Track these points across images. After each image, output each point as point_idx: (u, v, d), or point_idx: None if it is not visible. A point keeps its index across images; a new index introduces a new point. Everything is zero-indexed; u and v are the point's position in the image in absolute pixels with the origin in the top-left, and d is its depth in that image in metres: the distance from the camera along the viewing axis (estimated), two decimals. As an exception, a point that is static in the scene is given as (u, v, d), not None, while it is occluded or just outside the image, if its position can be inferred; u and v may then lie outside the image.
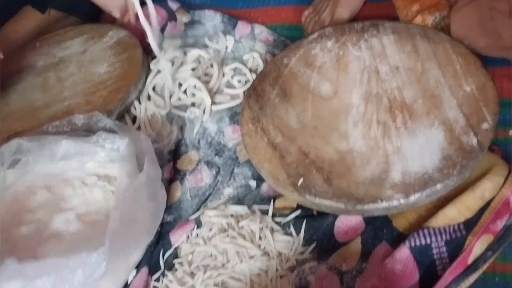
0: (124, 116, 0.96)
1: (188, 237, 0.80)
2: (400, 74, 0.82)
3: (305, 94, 0.84)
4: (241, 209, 0.81)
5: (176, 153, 0.91)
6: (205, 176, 0.87)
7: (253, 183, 0.84)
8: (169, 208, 0.84)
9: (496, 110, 0.75)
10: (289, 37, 1.01)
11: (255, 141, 0.80)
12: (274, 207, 0.80)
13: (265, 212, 0.80)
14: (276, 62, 0.90)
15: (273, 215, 0.80)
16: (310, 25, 0.97)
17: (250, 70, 0.97)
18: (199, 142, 0.91)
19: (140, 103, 0.97)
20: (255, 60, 0.99)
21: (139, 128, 0.95)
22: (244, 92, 0.94)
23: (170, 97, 0.96)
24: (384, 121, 0.77)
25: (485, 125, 0.74)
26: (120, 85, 0.97)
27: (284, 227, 0.78)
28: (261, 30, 1.04)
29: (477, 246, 0.69)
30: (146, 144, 0.84)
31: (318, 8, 0.98)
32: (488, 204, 0.71)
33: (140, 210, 0.77)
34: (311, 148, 0.77)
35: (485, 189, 0.72)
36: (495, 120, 0.74)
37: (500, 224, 0.70)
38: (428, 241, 0.70)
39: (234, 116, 0.92)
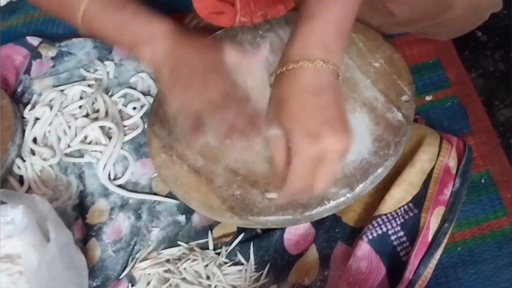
0: (8, 180, 0.81)
1: (124, 298, 0.69)
2: (307, 64, 0.77)
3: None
4: (176, 250, 0.72)
5: (82, 207, 0.79)
6: (124, 225, 0.76)
7: (181, 218, 0.75)
8: (92, 271, 0.72)
9: (410, 79, 0.73)
10: (176, 49, 0.92)
11: (174, 171, 0.71)
12: (213, 238, 0.72)
13: (204, 247, 0.71)
14: (172, 80, 0.80)
15: (215, 247, 0.71)
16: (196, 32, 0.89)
17: (143, 93, 0.87)
18: (105, 188, 0.80)
19: (23, 160, 0.82)
20: (145, 80, 0.89)
21: (29, 189, 0.81)
22: (142, 119, 0.84)
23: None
24: (306, 116, 0.72)
25: (404, 97, 0.72)
26: (-6, 144, 0.82)
27: (231, 256, 0.70)
28: (142, 48, 0.93)
29: (433, 221, 0.67)
30: (44, 207, 0.71)
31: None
32: (429, 176, 0.69)
33: (60, 285, 0.65)
34: (239, 163, 0.69)
35: (423, 162, 0.70)
36: (413, 89, 0.72)
37: (447, 193, 0.68)
38: (384, 229, 0.67)
39: (139, 148, 0.82)
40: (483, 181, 0.71)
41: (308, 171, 0.55)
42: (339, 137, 0.54)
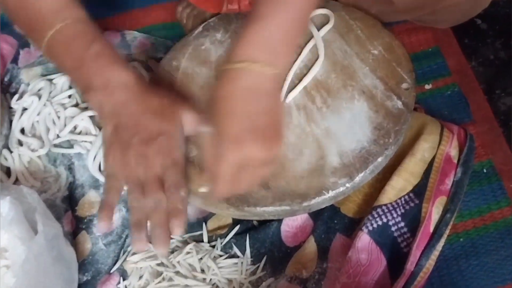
0: (-6, 172, 0.79)
1: (115, 293, 0.67)
2: (304, 52, 0.75)
3: (209, 96, 0.74)
4: (169, 243, 0.69)
5: (71, 199, 0.76)
6: (115, 217, 0.74)
7: (175, 210, 0.73)
8: (82, 265, 0.70)
9: (410, 67, 0.71)
10: (168, 36, 0.90)
11: (167, 161, 0.69)
12: (207, 231, 0.70)
13: (199, 240, 0.69)
14: (164, 67, 0.78)
15: (210, 240, 0.69)
16: (189, 20, 0.87)
17: (135, 83, 0.85)
18: (96, 179, 0.77)
19: (10, 151, 0.80)
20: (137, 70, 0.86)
21: (16, 181, 0.78)
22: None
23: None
24: (304, 105, 0.70)
25: (404, 85, 0.70)
26: (-21, 136, 0.79)
27: (226, 249, 0.68)
28: (133, 36, 0.91)
29: (434, 211, 0.65)
30: (32, 198, 0.68)
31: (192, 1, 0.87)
32: (430, 165, 0.67)
33: (48, 279, 0.62)
34: (234, 153, 0.67)
35: (424, 150, 0.68)
36: (412, 77, 0.70)
37: (448, 183, 0.67)
38: (385, 219, 0.65)
39: (131, 139, 0.79)
40: (485, 170, 0.70)
41: (232, 174, 0.55)
42: (263, 146, 0.54)
